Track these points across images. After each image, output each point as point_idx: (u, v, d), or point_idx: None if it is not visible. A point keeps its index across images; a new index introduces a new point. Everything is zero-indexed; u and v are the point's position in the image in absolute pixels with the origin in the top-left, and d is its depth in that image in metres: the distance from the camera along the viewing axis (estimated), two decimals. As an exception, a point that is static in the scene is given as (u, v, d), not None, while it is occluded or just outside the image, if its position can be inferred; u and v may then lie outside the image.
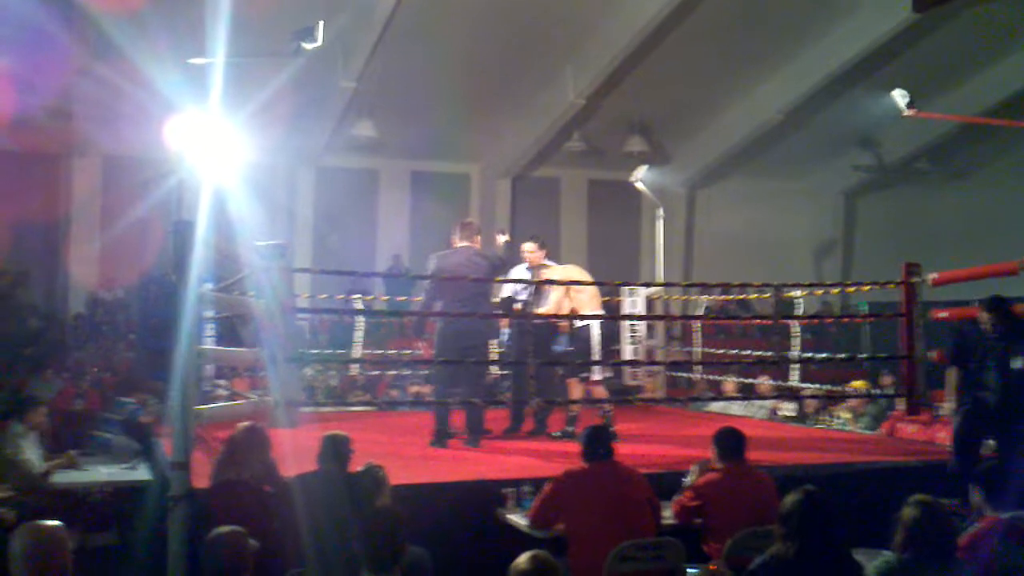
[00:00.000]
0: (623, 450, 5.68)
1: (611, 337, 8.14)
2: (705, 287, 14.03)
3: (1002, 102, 14.75)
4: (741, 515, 4.79)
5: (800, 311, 10.11)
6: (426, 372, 10.56)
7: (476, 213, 16.59)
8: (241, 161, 9.77)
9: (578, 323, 7.97)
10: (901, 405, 8.35)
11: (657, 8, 12.22)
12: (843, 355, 10.24)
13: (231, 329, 9.62)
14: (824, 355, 10.25)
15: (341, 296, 12.44)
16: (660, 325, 11.67)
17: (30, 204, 13.67)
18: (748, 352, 10.49)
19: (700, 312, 12.77)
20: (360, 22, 12.16)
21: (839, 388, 9.71)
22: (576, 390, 8.06)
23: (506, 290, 8.47)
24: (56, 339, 13.55)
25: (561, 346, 8.25)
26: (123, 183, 14.57)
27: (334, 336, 14.22)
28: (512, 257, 8.28)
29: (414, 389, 11.04)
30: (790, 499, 3.73)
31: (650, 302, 11.80)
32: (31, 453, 7.36)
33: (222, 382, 9.55)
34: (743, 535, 4.61)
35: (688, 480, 5.30)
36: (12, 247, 13.73)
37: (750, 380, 10.88)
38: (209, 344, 8.72)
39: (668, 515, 5.14)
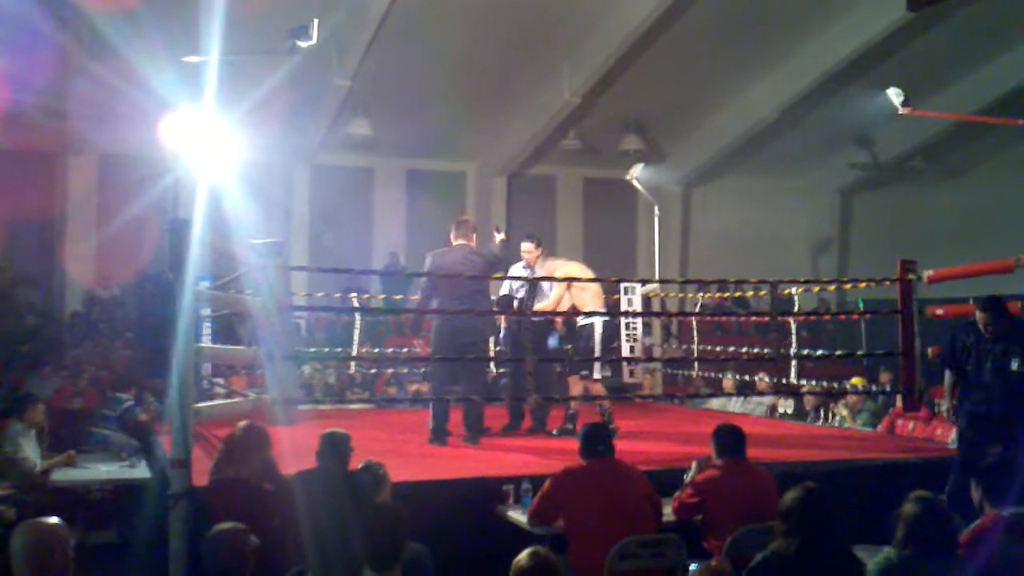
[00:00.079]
0: (622, 447, 5.68)
1: (612, 336, 8.11)
2: (702, 284, 14.05)
3: (996, 100, 14.79)
4: (741, 512, 4.80)
5: (797, 308, 10.12)
6: (423, 370, 10.56)
7: (472, 211, 16.58)
8: (237, 159, 9.77)
9: (581, 321, 7.96)
10: (899, 402, 8.36)
11: (653, 7, 12.22)
12: (840, 352, 10.23)
13: (228, 327, 9.61)
14: (822, 352, 10.26)
15: (338, 294, 12.44)
16: (657, 322, 11.68)
17: (26, 202, 13.65)
18: (746, 349, 10.48)
19: (697, 309, 12.78)
20: (355, 20, 12.14)
21: (837, 385, 9.71)
22: (576, 388, 8.05)
23: (504, 288, 8.47)
24: (53, 337, 13.55)
25: (554, 341, 8.24)
26: (119, 181, 14.56)
27: (332, 334, 14.24)
28: (508, 255, 8.28)
29: (413, 387, 11.04)
30: (790, 496, 3.74)
31: (647, 299, 11.81)
32: (30, 451, 7.37)
33: (220, 380, 9.53)
34: (743, 532, 4.62)
35: (688, 477, 5.30)
36: (8, 245, 13.70)
37: (748, 377, 10.89)
38: (206, 342, 8.71)
39: (668, 512, 5.13)
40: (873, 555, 3.81)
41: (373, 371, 11.93)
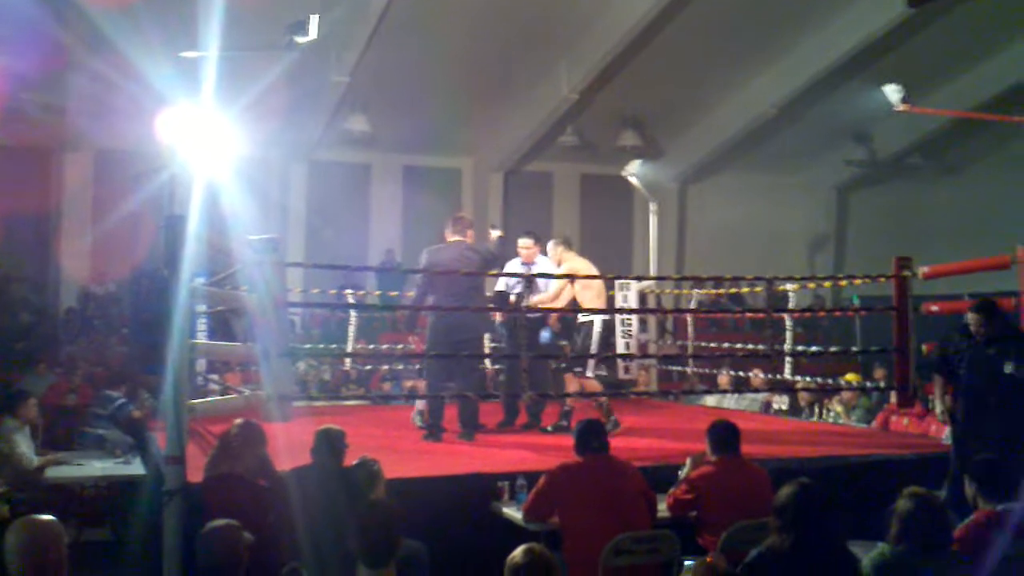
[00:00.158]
0: (617, 443, 5.69)
1: (610, 335, 8.09)
2: (697, 281, 14.05)
3: (994, 97, 14.81)
4: (736, 508, 4.79)
5: (792, 305, 10.13)
6: (419, 366, 10.54)
7: (469, 207, 16.58)
8: (233, 155, 9.73)
9: (581, 319, 7.95)
10: (894, 398, 8.37)
11: (651, 3, 12.23)
12: (835, 348, 10.24)
13: (224, 323, 9.60)
14: (816, 348, 10.27)
15: (334, 290, 12.44)
16: (652, 319, 11.67)
17: (21, 198, 13.63)
18: (741, 346, 10.48)
19: (692, 306, 12.77)
20: (354, 16, 12.14)
21: (832, 381, 9.72)
22: (572, 384, 8.05)
23: (500, 284, 8.47)
24: (48, 334, 13.53)
25: (547, 335, 8.22)
26: (115, 177, 14.53)
27: (327, 330, 14.24)
28: (505, 252, 8.27)
29: (409, 384, 11.03)
30: (785, 492, 3.74)
31: (642, 296, 11.80)
32: (25, 447, 7.35)
33: (215, 376, 9.52)
34: (738, 528, 4.62)
35: (683, 473, 5.30)
36: (3, 241, 13.69)
37: (743, 373, 10.90)
38: (201, 338, 8.70)
39: (663, 508, 5.14)
40: (868, 551, 3.80)
41: (368, 367, 11.92)
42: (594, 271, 8.00)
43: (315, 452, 5.04)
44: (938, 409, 6.64)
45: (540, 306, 7.90)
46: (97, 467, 7.49)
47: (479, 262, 7.60)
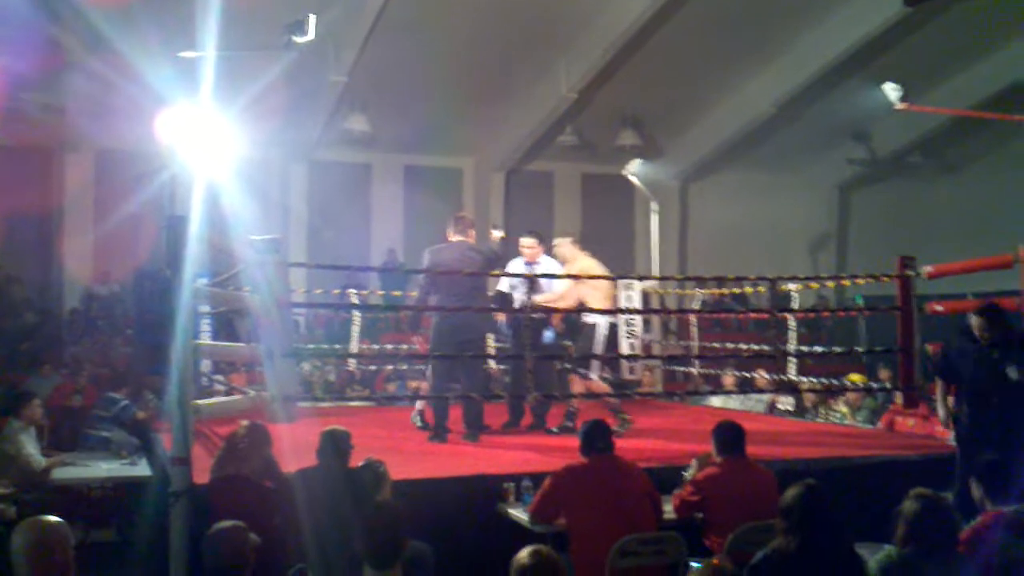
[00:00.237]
0: (622, 444, 5.68)
1: (614, 337, 8.06)
2: (700, 281, 14.05)
3: (994, 95, 14.81)
4: (741, 509, 4.79)
5: (795, 304, 10.12)
6: (422, 367, 10.54)
7: (470, 207, 16.59)
8: (234, 155, 9.74)
9: (586, 320, 7.93)
10: (899, 399, 8.36)
11: (649, 1, 12.22)
12: (840, 348, 10.23)
13: (228, 324, 9.60)
14: (821, 349, 10.26)
15: (337, 291, 12.44)
16: (656, 319, 11.67)
17: (23, 198, 13.64)
18: (745, 346, 10.48)
19: (695, 306, 12.77)
20: (351, 16, 12.14)
21: (836, 382, 9.71)
22: (578, 386, 8.03)
23: (503, 284, 8.46)
24: (52, 335, 13.54)
25: (550, 335, 8.20)
26: (116, 177, 14.55)
27: (331, 331, 14.23)
28: (507, 252, 8.26)
29: (414, 384, 11.02)
30: (791, 493, 3.73)
31: (646, 296, 11.80)
32: (31, 448, 7.35)
33: (219, 377, 9.52)
34: (744, 529, 4.61)
35: (688, 474, 5.30)
36: (5, 241, 13.70)
37: (747, 374, 10.89)
38: (205, 339, 8.70)
39: (668, 509, 5.13)
40: (874, 553, 3.80)
41: (373, 368, 11.92)
42: (603, 272, 7.98)
43: (320, 453, 5.04)
44: (941, 414, 6.61)
45: (546, 305, 7.89)
46: (103, 468, 7.50)
47: (481, 262, 7.59)
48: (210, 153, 8.38)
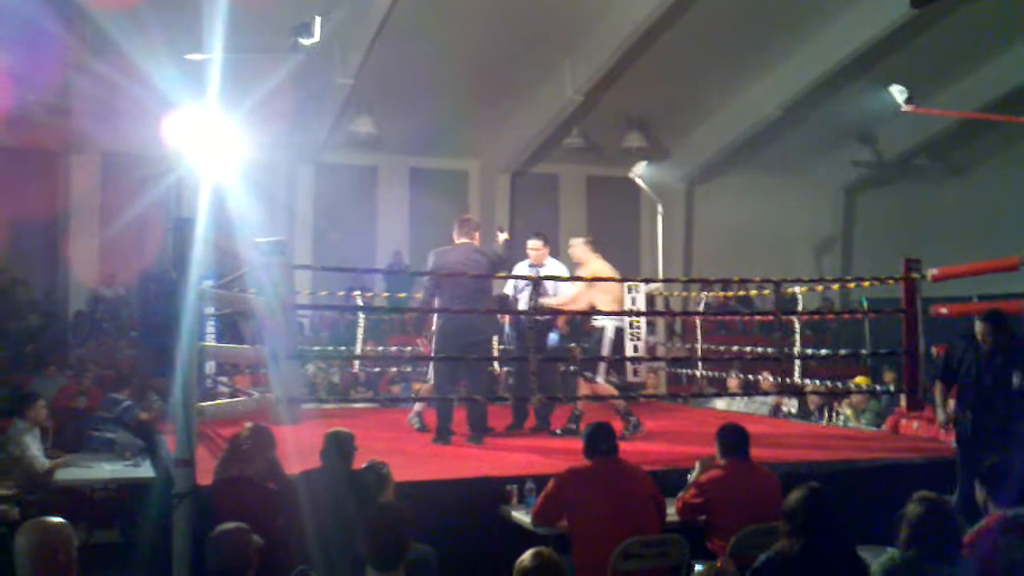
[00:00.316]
0: (626, 447, 5.68)
1: (621, 342, 8.03)
2: (706, 283, 14.04)
3: (1000, 97, 14.77)
4: (745, 512, 4.79)
5: (800, 307, 10.11)
6: (424, 369, 10.55)
7: (475, 209, 16.59)
8: (240, 158, 9.78)
9: (595, 323, 7.93)
10: (903, 401, 8.34)
11: (655, 3, 12.21)
12: (845, 351, 10.21)
13: (232, 326, 9.61)
14: (826, 351, 10.24)
15: (342, 292, 12.43)
16: (661, 321, 11.66)
17: (29, 201, 13.67)
18: (749, 348, 10.46)
19: (700, 308, 12.76)
20: (357, 18, 12.14)
21: (841, 384, 9.70)
22: (584, 388, 8.02)
23: (507, 287, 8.47)
24: (57, 337, 13.57)
25: (555, 337, 8.20)
26: (122, 180, 14.57)
27: (336, 332, 14.26)
28: (512, 255, 8.26)
29: (418, 386, 11.03)
30: (795, 496, 3.73)
31: (651, 298, 11.79)
32: (35, 449, 7.37)
33: (224, 379, 9.54)
34: (747, 532, 4.61)
35: (692, 477, 5.30)
36: (11, 244, 13.74)
37: (752, 376, 10.88)
38: (210, 341, 8.71)
39: (672, 512, 5.13)
40: (877, 556, 3.80)
41: (377, 370, 11.93)
42: (614, 275, 7.97)
43: (324, 455, 5.05)
44: (940, 417, 6.62)
45: (557, 308, 7.89)
46: (107, 469, 7.51)
47: (486, 264, 7.58)
48: (216, 155, 8.43)
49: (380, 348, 11.90)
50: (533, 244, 8.25)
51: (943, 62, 14.49)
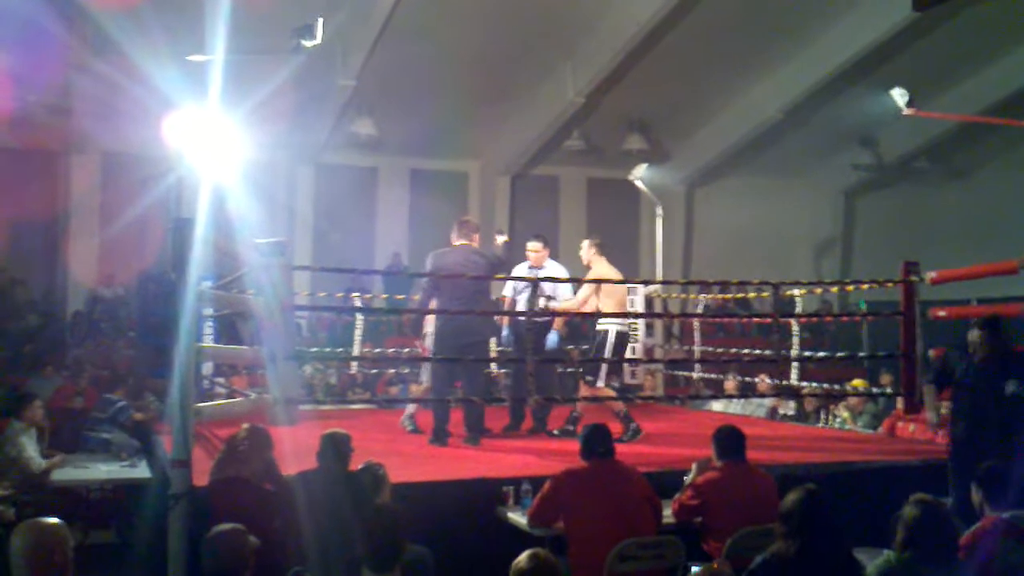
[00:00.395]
0: (623, 449, 5.68)
1: (624, 346, 8.03)
2: (704, 285, 14.04)
3: (1001, 101, 14.78)
4: (741, 514, 4.79)
5: (799, 309, 10.11)
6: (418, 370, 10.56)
7: (475, 211, 16.59)
8: (240, 158, 9.76)
9: (599, 327, 7.93)
10: (900, 404, 8.35)
11: (657, 6, 12.22)
12: (842, 354, 10.22)
13: (231, 327, 9.61)
14: (823, 354, 10.25)
15: (341, 294, 12.42)
16: (659, 323, 11.66)
17: (29, 201, 13.67)
18: (747, 351, 10.46)
19: (699, 310, 12.76)
20: (359, 20, 12.15)
21: (838, 387, 9.70)
22: (585, 390, 8.01)
23: (507, 289, 8.47)
24: (55, 337, 13.56)
25: (554, 338, 8.20)
26: (122, 180, 14.57)
27: (333, 334, 14.26)
28: (511, 257, 8.26)
29: (415, 388, 11.03)
30: (791, 498, 3.73)
31: (649, 300, 11.79)
32: (32, 450, 7.36)
33: (221, 380, 9.53)
34: (743, 534, 4.61)
35: (688, 479, 5.30)
36: (11, 244, 13.74)
37: (749, 379, 10.87)
38: (208, 342, 8.71)
39: (668, 514, 5.13)
40: (873, 558, 3.80)
41: (375, 371, 11.93)
42: (619, 279, 7.97)
43: (321, 456, 5.05)
44: (931, 417, 6.65)
45: (565, 311, 7.89)
46: (103, 470, 7.51)
47: (485, 266, 7.58)
48: (217, 156, 8.42)
49: (378, 350, 11.90)
50: (533, 246, 8.26)
51: (944, 65, 14.49)
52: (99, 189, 15.24)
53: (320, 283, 13.61)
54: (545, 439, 7.92)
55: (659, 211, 12.99)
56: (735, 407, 10.61)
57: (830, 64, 14.10)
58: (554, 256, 8.64)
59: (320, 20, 9.32)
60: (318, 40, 9.34)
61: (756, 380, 10.73)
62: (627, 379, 9.15)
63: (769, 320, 8.65)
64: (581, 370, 8.21)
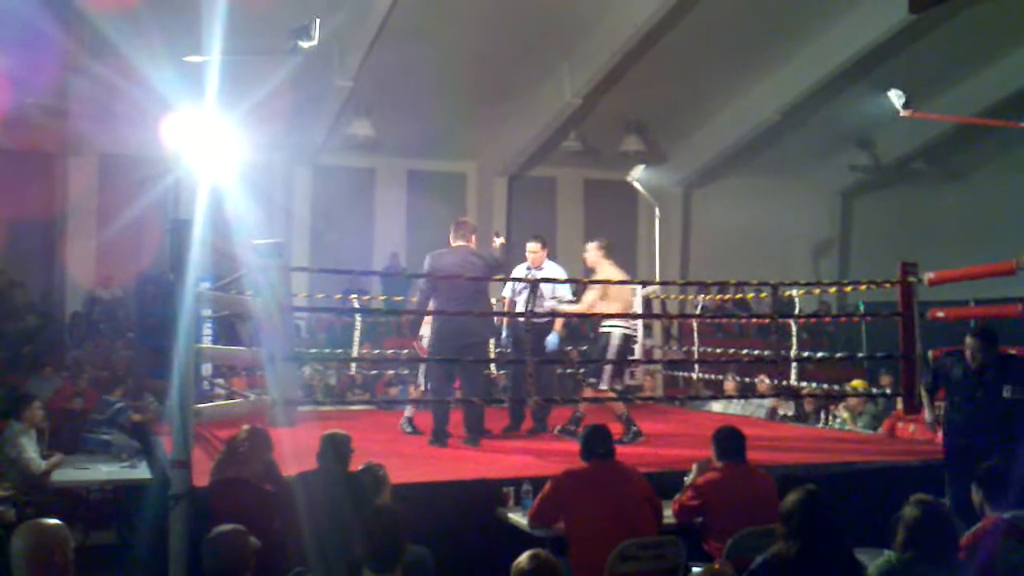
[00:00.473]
0: (623, 449, 5.68)
1: (627, 349, 8.01)
2: (702, 286, 14.04)
3: (998, 102, 14.80)
4: (741, 514, 4.79)
5: (798, 310, 10.11)
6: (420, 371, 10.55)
7: (473, 212, 16.60)
8: (238, 159, 9.75)
9: (601, 329, 7.92)
10: (900, 404, 8.35)
11: (654, 8, 12.23)
12: (841, 354, 10.23)
13: (229, 328, 9.60)
14: (823, 354, 10.25)
15: (339, 295, 12.41)
16: (658, 324, 11.66)
17: (26, 202, 13.66)
18: (746, 351, 10.46)
19: (697, 311, 12.76)
20: (356, 21, 12.15)
21: (838, 387, 9.70)
22: (588, 392, 8.00)
23: (505, 290, 8.47)
24: (53, 338, 13.55)
25: (554, 339, 8.19)
26: (119, 181, 14.56)
27: (332, 335, 14.26)
28: (508, 258, 8.25)
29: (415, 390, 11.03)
30: (791, 498, 3.73)
31: (647, 301, 11.79)
32: (31, 451, 7.35)
33: (220, 381, 9.53)
34: (744, 534, 4.61)
35: (688, 479, 5.30)
36: (9, 245, 13.72)
37: (749, 379, 10.87)
38: (207, 343, 8.70)
39: (668, 514, 5.13)
40: (874, 558, 3.80)
41: (374, 372, 11.94)
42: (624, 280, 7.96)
43: (321, 457, 5.04)
44: (928, 419, 6.72)
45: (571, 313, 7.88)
46: (103, 471, 7.50)
47: (483, 267, 7.58)
48: (214, 157, 8.40)
49: (377, 351, 11.90)
50: (532, 247, 8.26)
51: (941, 67, 14.51)
52: (96, 191, 15.23)
53: (318, 284, 13.61)
54: (545, 440, 7.92)
55: (656, 212, 13.00)
56: (735, 408, 10.61)
57: (828, 65, 14.12)
58: (551, 257, 8.64)
59: (317, 21, 9.31)
60: (315, 41, 9.33)
61: (756, 381, 10.74)
62: (627, 380, 9.14)
63: (768, 321, 8.64)
64: (582, 371, 8.19)
